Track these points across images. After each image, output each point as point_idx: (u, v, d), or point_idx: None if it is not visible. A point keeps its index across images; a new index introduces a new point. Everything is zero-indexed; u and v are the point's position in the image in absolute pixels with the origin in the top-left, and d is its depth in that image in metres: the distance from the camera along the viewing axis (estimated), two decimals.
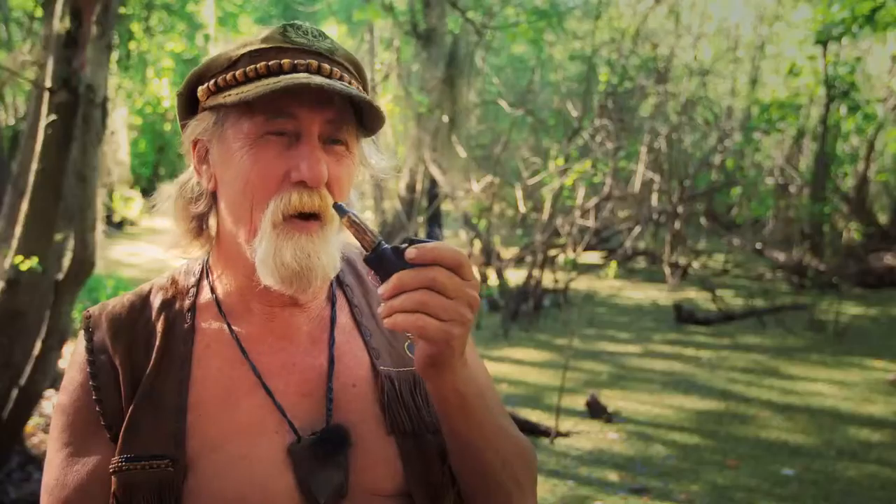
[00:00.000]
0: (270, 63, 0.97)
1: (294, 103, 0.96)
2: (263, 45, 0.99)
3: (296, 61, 0.97)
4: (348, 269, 1.14)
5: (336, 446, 0.97)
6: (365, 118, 1.02)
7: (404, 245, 0.89)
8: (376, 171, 1.10)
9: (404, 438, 1.01)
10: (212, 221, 1.08)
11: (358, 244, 0.93)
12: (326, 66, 0.98)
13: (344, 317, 1.09)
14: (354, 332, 1.08)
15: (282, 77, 0.94)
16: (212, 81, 1.00)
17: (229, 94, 0.97)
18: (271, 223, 0.96)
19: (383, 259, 0.90)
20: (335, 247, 1.00)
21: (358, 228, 0.92)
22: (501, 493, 1.01)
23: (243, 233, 0.99)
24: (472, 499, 1.03)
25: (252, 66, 0.97)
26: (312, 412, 1.00)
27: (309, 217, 0.97)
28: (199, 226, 1.07)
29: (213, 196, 1.05)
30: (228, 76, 0.98)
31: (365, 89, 1.05)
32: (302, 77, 0.94)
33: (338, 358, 1.04)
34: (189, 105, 1.05)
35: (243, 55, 0.99)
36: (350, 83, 0.99)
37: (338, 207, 0.95)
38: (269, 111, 0.96)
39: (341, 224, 1.02)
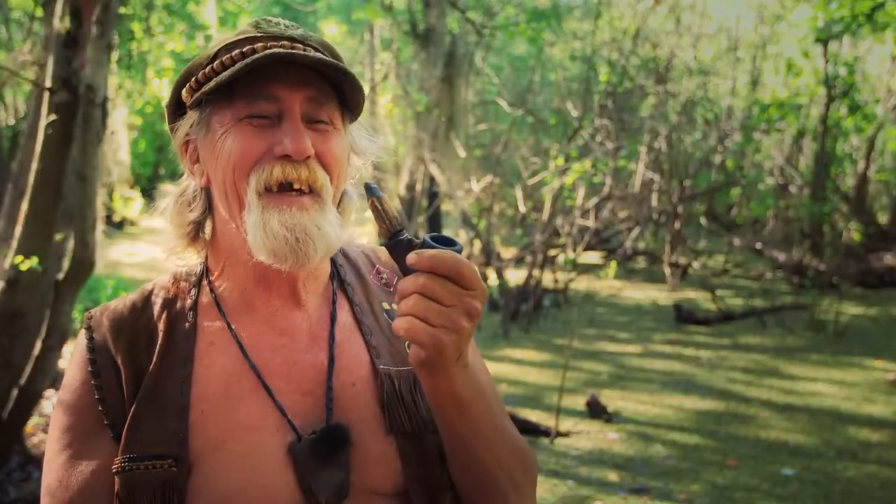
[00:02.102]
0: (245, 49, 0.98)
1: (273, 84, 0.97)
2: (237, 38, 1.01)
3: (269, 44, 0.98)
4: (349, 268, 1.14)
5: (336, 445, 0.97)
6: (348, 99, 1.03)
7: (418, 242, 0.90)
8: (369, 156, 1.11)
9: (403, 438, 1.01)
10: (207, 224, 1.08)
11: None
12: (300, 46, 1.00)
13: (344, 315, 1.09)
14: (355, 331, 1.08)
15: (254, 56, 0.96)
16: (192, 80, 1.02)
17: (210, 83, 0.98)
18: (256, 193, 0.97)
19: (398, 250, 0.91)
20: (334, 221, 1.00)
21: (378, 213, 0.92)
22: (498, 495, 1.01)
23: (234, 209, 1.00)
24: (469, 498, 1.03)
25: (228, 56, 0.99)
26: (313, 411, 1.00)
27: (300, 192, 0.98)
28: (194, 231, 1.08)
29: (208, 195, 1.06)
30: (207, 69, 1.00)
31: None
32: (272, 51, 0.95)
33: (338, 356, 1.04)
34: (177, 110, 1.06)
35: (220, 49, 1.01)
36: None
37: (368, 188, 0.94)
38: (249, 95, 0.97)
39: (341, 206, 1.04)
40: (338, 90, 1.02)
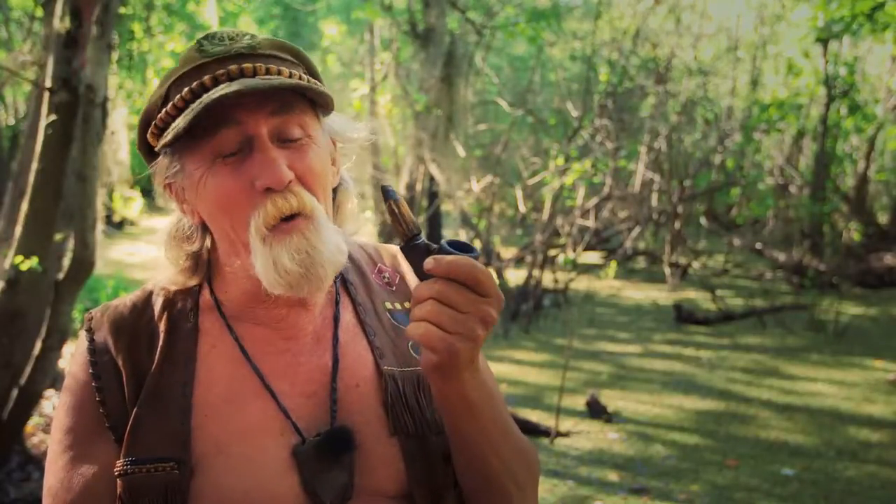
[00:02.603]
0: (193, 86, 0.95)
1: (232, 110, 0.94)
2: (184, 69, 0.98)
3: (216, 74, 0.95)
4: (352, 267, 1.13)
5: (340, 447, 0.97)
6: (315, 98, 1.00)
7: (435, 247, 0.89)
8: (355, 139, 1.09)
9: (407, 439, 1.00)
10: (207, 241, 1.07)
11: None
12: (248, 65, 0.96)
13: (348, 316, 1.08)
14: (358, 332, 1.07)
15: (204, 97, 0.93)
16: (153, 125, 1.00)
17: (169, 133, 0.96)
18: (260, 239, 0.95)
19: (414, 254, 0.91)
20: (334, 233, 0.99)
21: (395, 217, 0.91)
22: (502, 495, 1.01)
23: (240, 253, 0.99)
24: (473, 499, 1.03)
25: (179, 96, 0.96)
26: (317, 413, 1.00)
27: (293, 217, 0.96)
28: (194, 263, 1.07)
29: (204, 225, 1.04)
30: (163, 114, 0.98)
31: (310, 72, 1.03)
32: (220, 90, 0.92)
33: (341, 358, 1.04)
34: (149, 151, 1.04)
35: (170, 87, 0.98)
36: (280, 71, 0.97)
37: (385, 190, 0.93)
38: (211, 127, 0.94)
39: (337, 199, 1.04)
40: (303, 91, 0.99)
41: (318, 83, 1.01)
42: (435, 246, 0.89)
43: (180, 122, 0.93)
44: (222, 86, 0.93)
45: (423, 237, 0.91)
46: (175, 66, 1.00)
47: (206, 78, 0.95)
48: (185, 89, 0.95)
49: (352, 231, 1.11)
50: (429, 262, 0.87)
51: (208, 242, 1.07)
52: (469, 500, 1.03)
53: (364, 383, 1.03)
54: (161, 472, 0.94)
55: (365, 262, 1.16)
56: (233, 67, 0.95)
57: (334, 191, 1.08)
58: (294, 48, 1.03)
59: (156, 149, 1.01)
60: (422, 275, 0.89)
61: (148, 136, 1.01)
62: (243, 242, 0.97)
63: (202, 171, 0.96)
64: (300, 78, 0.98)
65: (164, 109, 0.98)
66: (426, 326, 0.86)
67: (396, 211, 0.91)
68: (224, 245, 1.02)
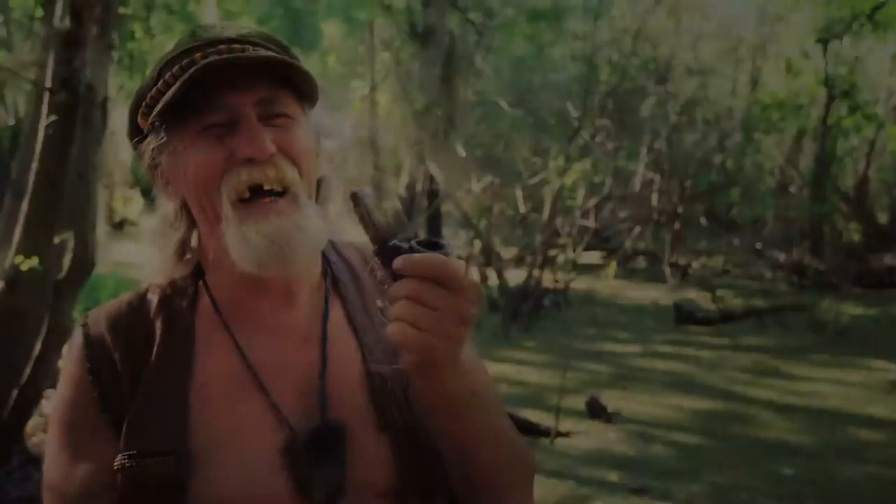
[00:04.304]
0: (183, 63, 0.97)
1: (221, 93, 0.96)
2: (177, 52, 0.99)
3: (207, 51, 0.97)
4: (342, 265, 1.14)
5: (331, 442, 0.97)
6: (301, 88, 1.01)
7: (406, 247, 0.88)
8: (338, 136, 1.10)
9: (397, 434, 1.00)
10: (194, 234, 1.08)
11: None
12: (238, 46, 0.98)
13: (337, 313, 1.09)
14: (347, 329, 1.08)
15: (193, 69, 0.94)
16: (143, 105, 1.01)
17: (157, 108, 0.97)
18: (230, 204, 0.96)
19: (386, 257, 0.89)
20: (315, 215, 0.99)
21: (365, 222, 0.90)
22: (493, 494, 1.01)
23: (213, 223, 1.00)
24: (465, 497, 1.03)
25: (170, 73, 0.98)
26: (307, 409, 1.00)
27: (272, 194, 0.96)
28: (181, 249, 1.08)
29: (188, 211, 1.05)
30: (154, 92, 0.99)
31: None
32: (209, 59, 0.94)
33: (330, 354, 1.04)
34: (137, 136, 1.05)
35: (162, 67, 1.00)
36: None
37: (353, 196, 0.91)
38: (199, 108, 0.96)
39: (321, 194, 1.04)
40: (290, 81, 1.00)
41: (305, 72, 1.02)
42: (406, 247, 0.88)
43: (169, 94, 0.95)
44: (212, 58, 0.95)
45: (396, 239, 0.89)
46: (169, 51, 1.02)
47: (197, 55, 0.97)
48: (176, 66, 0.98)
49: (334, 231, 1.11)
50: (397, 263, 0.86)
51: (195, 235, 1.08)
52: (462, 500, 1.03)
53: (353, 380, 1.03)
54: (160, 466, 0.95)
55: (357, 262, 1.16)
56: (222, 47, 0.98)
57: (318, 185, 1.08)
58: (282, 42, 1.05)
59: (144, 129, 1.02)
60: (396, 277, 0.87)
61: (139, 116, 1.02)
62: (216, 213, 0.98)
63: (186, 144, 0.98)
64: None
65: (155, 87, 0.99)
66: (401, 326, 0.85)
67: (366, 217, 0.90)
68: (200, 221, 1.02)
